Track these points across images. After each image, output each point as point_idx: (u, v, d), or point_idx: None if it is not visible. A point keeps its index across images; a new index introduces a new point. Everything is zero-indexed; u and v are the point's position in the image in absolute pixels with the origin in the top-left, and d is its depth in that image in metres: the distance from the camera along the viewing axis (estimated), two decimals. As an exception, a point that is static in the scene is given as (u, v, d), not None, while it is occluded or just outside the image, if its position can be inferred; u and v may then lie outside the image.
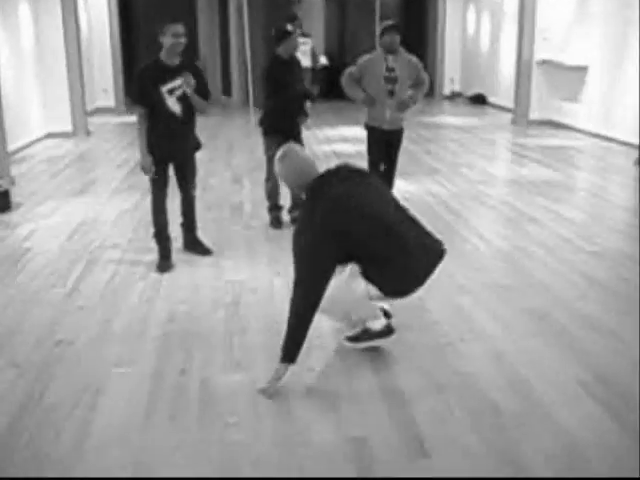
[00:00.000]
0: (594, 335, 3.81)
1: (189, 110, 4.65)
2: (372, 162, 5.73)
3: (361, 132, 5.89)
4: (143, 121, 4.57)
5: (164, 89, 4.50)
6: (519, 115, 11.54)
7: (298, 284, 3.18)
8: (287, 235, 5.55)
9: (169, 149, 4.68)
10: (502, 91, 13.27)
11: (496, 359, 3.54)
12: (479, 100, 13.91)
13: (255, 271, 4.80)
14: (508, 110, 12.51)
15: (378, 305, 3.48)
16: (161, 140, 4.60)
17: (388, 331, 3.49)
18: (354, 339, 3.54)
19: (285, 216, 5.94)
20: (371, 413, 3.05)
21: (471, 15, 14.94)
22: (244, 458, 2.74)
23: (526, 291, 4.43)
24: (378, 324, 3.46)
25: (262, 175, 6.05)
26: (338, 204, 3.20)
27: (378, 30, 5.64)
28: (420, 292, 3.44)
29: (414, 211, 3.59)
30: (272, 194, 5.77)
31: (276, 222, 5.80)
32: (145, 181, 5.07)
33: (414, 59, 5.57)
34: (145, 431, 2.92)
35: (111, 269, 4.83)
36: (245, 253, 5.21)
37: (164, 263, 4.80)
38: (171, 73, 4.53)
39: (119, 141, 10.55)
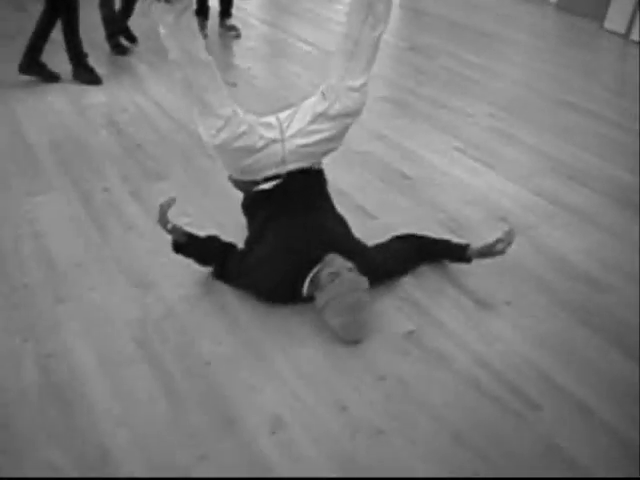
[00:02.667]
0: (443, 111, 4.44)
1: None
2: None
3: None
4: None
5: None
6: None
7: None
8: (132, 60, 5.34)
9: None
10: None
11: (380, 139, 4.01)
12: None
13: (110, 94, 4.63)
14: None
15: None
16: None
17: None
18: None
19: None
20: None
21: None
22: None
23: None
24: None
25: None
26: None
27: None
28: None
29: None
30: (109, 20, 5.31)
31: (119, 49, 5.39)
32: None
33: None
34: (109, 244, 2.96)
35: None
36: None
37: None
38: None
39: None
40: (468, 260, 2.74)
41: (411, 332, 2.47)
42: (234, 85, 4.74)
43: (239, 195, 2.95)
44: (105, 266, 2.82)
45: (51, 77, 4.74)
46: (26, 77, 4.69)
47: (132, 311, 2.55)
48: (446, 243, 2.82)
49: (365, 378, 2.26)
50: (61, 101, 4.48)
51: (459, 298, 2.66)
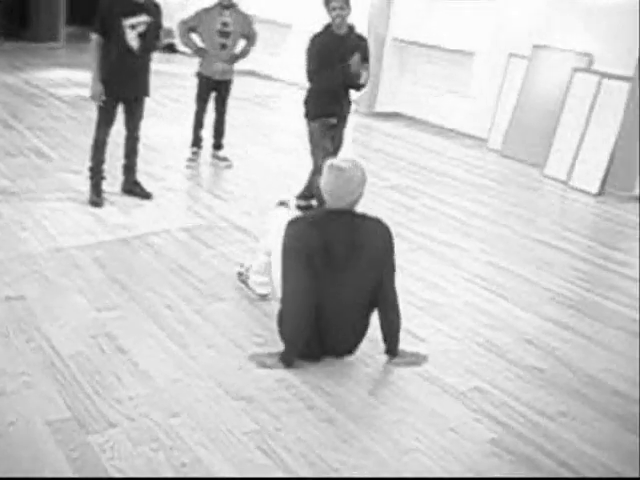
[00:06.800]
0: (441, 246, 4.97)
1: (146, 48, 4.74)
2: (198, 111, 6.12)
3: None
4: (98, 49, 4.61)
5: (127, 23, 4.56)
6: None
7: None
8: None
9: (121, 84, 4.72)
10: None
11: (401, 270, 4.45)
12: (169, 49, 14.08)
13: (134, 218, 4.87)
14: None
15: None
16: (115, 73, 4.67)
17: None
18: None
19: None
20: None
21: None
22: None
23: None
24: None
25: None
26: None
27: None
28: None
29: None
30: (312, 187, 5.05)
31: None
32: None
33: (248, 15, 6.01)
34: (196, 361, 3.17)
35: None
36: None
37: (98, 199, 4.90)
38: (137, 8, 4.60)
39: None
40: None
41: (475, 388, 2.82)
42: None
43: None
44: (201, 381, 3.01)
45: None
46: (59, 194, 5.06)
47: (246, 423, 2.75)
48: (393, 338, 3.30)
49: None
50: (88, 220, 4.66)
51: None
